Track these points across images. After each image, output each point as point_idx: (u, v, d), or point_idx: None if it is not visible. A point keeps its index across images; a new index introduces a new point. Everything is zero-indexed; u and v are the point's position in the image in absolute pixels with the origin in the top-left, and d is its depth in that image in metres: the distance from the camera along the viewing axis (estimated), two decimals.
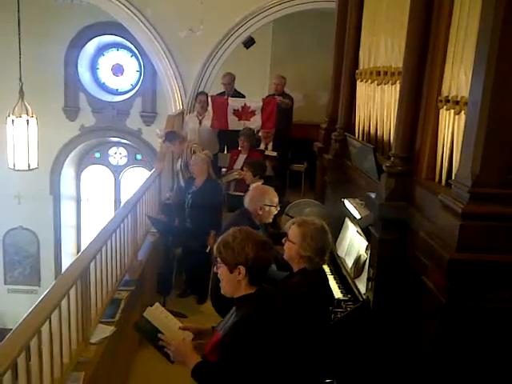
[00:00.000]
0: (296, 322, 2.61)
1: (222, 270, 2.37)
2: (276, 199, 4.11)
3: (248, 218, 4.00)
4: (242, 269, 2.31)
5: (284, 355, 2.33)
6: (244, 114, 7.55)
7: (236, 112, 7.56)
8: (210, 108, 7.59)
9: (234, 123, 7.60)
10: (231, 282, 2.35)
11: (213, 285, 4.12)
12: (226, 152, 7.84)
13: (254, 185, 4.88)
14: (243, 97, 8.00)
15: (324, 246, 3.01)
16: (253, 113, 7.53)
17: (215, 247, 2.41)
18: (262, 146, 7.48)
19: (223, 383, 2.26)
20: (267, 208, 4.03)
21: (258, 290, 2.36)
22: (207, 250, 5.52)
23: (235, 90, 8.10)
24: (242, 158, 6.88)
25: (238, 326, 2.25)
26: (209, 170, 5.88)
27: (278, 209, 4.18)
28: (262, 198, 4.03)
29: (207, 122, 7.57)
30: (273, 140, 7.55)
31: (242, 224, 3.91)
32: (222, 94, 8.10)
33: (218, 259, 2.38)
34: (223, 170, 7.20)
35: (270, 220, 4.12)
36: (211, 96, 7.80)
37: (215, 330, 2.50)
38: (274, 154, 7.26)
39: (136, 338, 4.94)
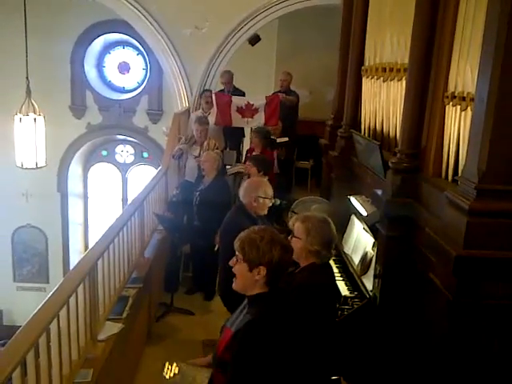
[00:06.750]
0: (304, 318, 2.61)
1: (240, 267, 2.31)
2: (270, 191, 4.10)
3: (244, 211, 4.00)
4: (263, 269, 2.27)
5: (292, 355, 2.31)
6: (247, 111, 7.58)
7: (239, 109, 7.59)
8: (214, 105, 7.61)
9: (237, 120, 7.64)
10: (248, 279, 2.30)
11: (222, 279, 4.13)
12: (228, 150, 7.84)
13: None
14: (243, 93, 8.04)
15: (330, 239, 3.05)
16: (256, 110, 7.56)
17: (237, 243, 2.34)
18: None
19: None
20: (261, 200, 4.01)
21: (272, 290, 2.32)
22: (215, 249, 5.52)
23: (234, 86, 8.10)
24: None
25: (247, 328, 2.22)
26: (219, 168, 5.87)
27: (273, 201, 4.16)
28: (256, 190, 4.02)
29: (211, 118, 7.58)
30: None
31: (240, 218, 3.95)
32: (222, 91, 8.10)
33: (239, 255, 2.32)
34: (227, 167, 7.20)
35: (265, 212, 4.10)
36: (215, 93, 7.81)
37: (225, 327, 2.45)
38: (286, 139, 7.28)
39: (144, 334, 4.98)
